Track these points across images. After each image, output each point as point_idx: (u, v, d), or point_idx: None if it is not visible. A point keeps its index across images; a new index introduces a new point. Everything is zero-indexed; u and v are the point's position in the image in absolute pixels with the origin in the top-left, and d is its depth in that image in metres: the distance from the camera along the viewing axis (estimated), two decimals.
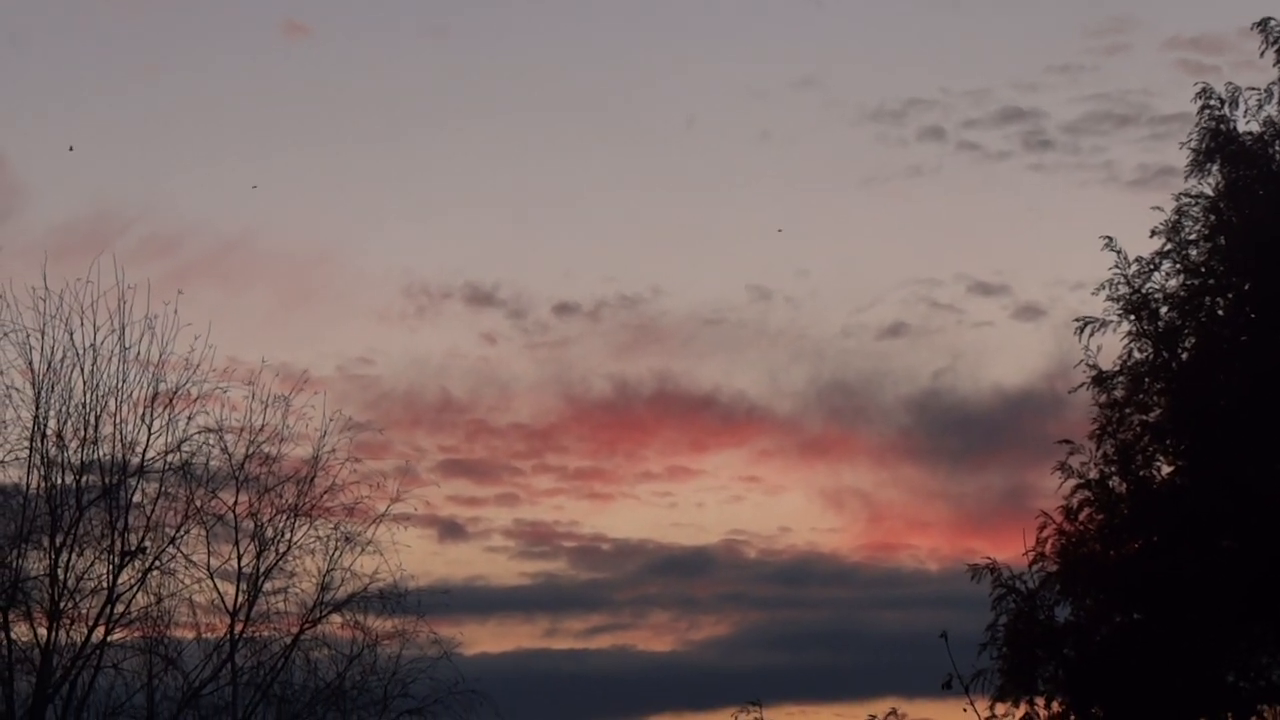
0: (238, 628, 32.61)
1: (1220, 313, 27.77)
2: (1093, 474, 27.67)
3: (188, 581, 32.52)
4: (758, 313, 68.68)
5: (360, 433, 34.40)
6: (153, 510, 32.21)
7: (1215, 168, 27.97)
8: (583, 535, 66.67)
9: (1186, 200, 27.97)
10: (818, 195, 72.66)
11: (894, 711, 26.95)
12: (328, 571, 33.09)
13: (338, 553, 33.14)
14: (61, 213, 63.67)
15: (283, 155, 72.62)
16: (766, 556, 66.84)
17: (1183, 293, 27.82)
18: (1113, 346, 27.95)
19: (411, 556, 33.69)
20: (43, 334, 32.00)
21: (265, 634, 32.86)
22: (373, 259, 73.97)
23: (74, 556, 31.55)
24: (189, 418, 32.42)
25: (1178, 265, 27.92)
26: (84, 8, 71.28)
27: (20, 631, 31.46)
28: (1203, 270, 27.77)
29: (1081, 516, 27.60)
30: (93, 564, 31.73)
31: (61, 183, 66.55)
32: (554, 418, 67.65)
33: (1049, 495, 27.87)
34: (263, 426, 33.13)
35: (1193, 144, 28.10)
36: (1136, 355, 27.83)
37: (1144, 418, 27.72)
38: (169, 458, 32.25)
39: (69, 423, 31.81)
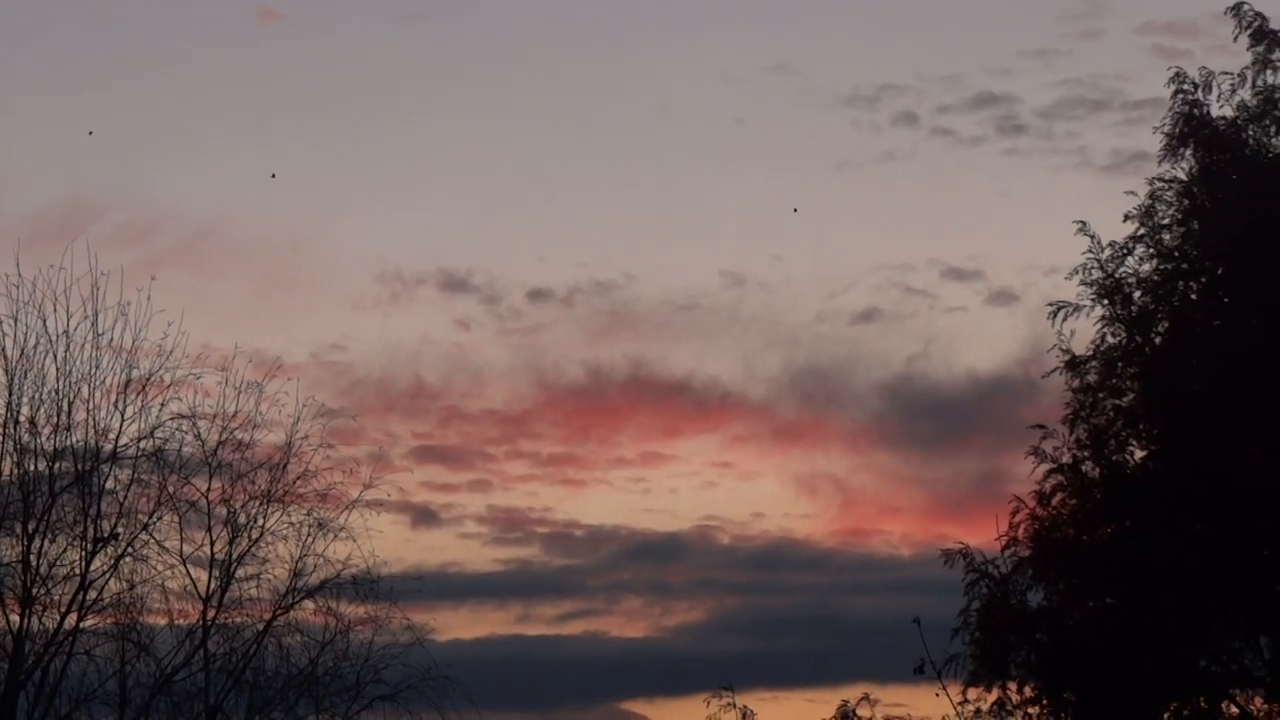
0: (210, 614, 32.47)
1: (1193, 297, 27.81)
2: (1066, 459, 27.72)
3: (160, 568, 32.38)
4: (731, 298, 68.75)
5: (333, 419, 34.18)
6: (125, 497, 32.06)
7: (1189, 152, 28.01)
8: (556, 521, 66.74)
9: (1160, 185, 28.03)
10: (791, 180, 72.63)
11: (866, 696, 27.05)
12: (300, 558, 32.95)
13: (310, 539, 33.00)
14: (35, 200, 63.42)
15: (256, 142, 72.59)
16: (740, 542, 66.96)
17: (1156, 277, 27.86)
18: (1086, 331, 28.05)
19: (384, 543, 33.58)
20: (15, 320, 31.80)
21: (238, 620, 32.72)
22: (346, 246, 73.78)
23: (46, 543, 31.41)
24: (162, 404, 32.28)
25: (1151, 250, 27.96)
26: None
27: None
28: (1176, 255, 27.80)
29: (1054, 501, 27.65)
30: (65, 550, 31.59)
31: (35, 170, 66.33)
32: (527, 404, 67.71)
33: (1022, 480, 27.95)
34: (236, 413, 32.95)
35: (1166, 129, 28.17)
36: (1110, 340, 27.89)
37: (1117, 402, 27.77)
38: (142, 444, 32.11)
39: (42, 409, 31.67)
